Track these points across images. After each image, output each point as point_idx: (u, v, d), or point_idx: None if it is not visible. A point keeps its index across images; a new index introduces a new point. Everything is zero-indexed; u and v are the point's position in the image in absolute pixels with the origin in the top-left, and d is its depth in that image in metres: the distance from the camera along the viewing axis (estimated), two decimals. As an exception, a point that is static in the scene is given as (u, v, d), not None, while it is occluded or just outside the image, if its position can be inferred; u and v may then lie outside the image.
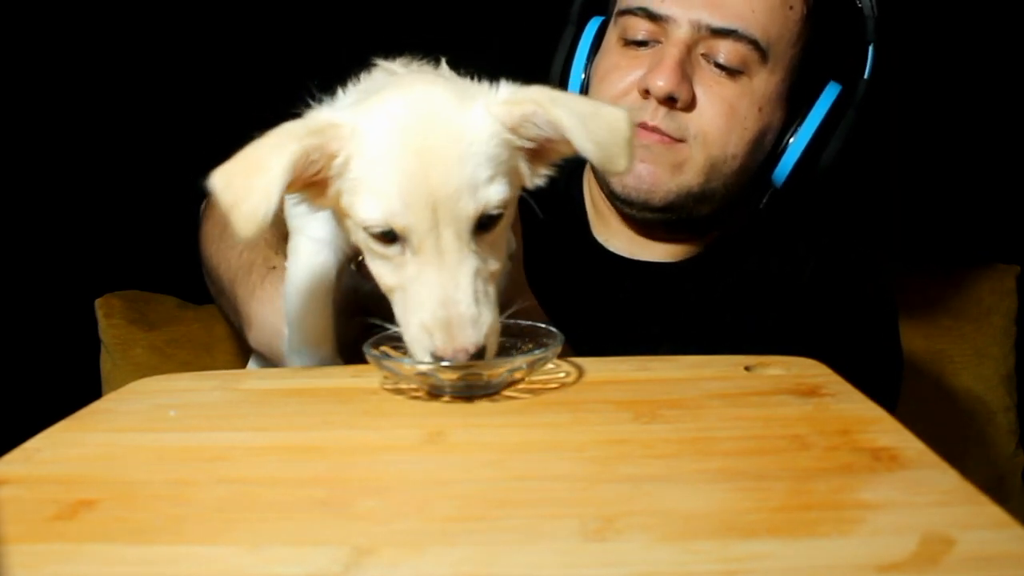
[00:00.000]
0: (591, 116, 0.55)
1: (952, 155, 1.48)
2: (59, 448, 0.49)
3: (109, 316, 1.32)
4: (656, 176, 0.89)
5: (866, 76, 0.91)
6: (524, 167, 0.58)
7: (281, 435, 0.50)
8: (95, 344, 1.33)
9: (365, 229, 0.56)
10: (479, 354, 0.54)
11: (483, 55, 0.60)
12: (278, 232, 0.86)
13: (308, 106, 0.60)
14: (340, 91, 0.62)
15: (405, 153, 0.54)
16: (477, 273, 0.55)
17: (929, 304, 1.37)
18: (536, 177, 0.59)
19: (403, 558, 0.35)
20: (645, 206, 0.91)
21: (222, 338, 1.31)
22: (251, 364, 0.92)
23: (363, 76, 0.63)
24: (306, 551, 0.36)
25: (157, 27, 1.44)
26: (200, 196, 1.03)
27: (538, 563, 0.34)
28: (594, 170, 0.98)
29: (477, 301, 0.55)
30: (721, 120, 0.87)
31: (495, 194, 0.54)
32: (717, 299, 0.95)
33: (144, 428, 0.52)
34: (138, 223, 1.46)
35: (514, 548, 0.35)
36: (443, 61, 0.63)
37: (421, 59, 0.64)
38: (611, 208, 0.99)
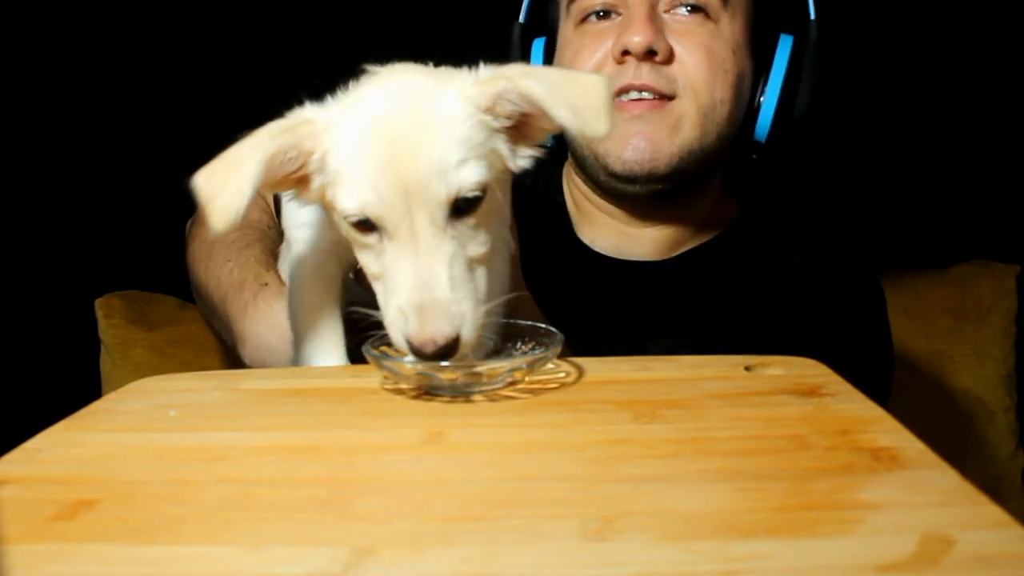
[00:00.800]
0: (565, 83, 0.54)
1: (952, 155, 1.48)
2: (59, 448, 0.49)
3: (109, 316, 1.32)
4: (656, 143, 0.88)
5: (812, 18, 0.92)
6: (504, 148, 0.58)
7: (281, 435, 0.50)
8: (95, 344, 1.33)
9: (345, 219, 0.56)
10: (454, 346, 0.53)
11: (478, 56, 0.59)
12: (267, 249, 0.86)
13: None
14: (330, 99, 0.62)
15: (376, 141, 0.54)
16: (454, 258, 0.54)
17: (929, 304, 1.37)
18: (519, 159, 0.59)
19: (403, 558, 0.35)
20: (650, 177, 0.90)
21: (222, 338, 1.31)
22: None
23: (354, 83, 0.63)
24: (306, 551, 0.35)
25: (158, 28, 1.44)
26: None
27: (538, 563, 0.34)
28: (583, 164, 0.97)
29: (454, 287, 0.54)
30: (704, 66, 0.88)
31: (468, 176, 0.54)
32: (705, 295, 0.95)
33: (144, 428, 0.52)
34: (138, 223, 1.46)
35: (514, 548, 0.35)
36: (431, 64, 0.63)
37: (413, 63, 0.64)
38: (595, 206, 0.98)
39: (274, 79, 1.43)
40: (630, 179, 0.91)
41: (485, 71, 0.57)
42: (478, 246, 0.57)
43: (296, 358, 0.70)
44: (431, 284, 0.54)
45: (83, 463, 0.47)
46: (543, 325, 0.61)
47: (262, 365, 0.79)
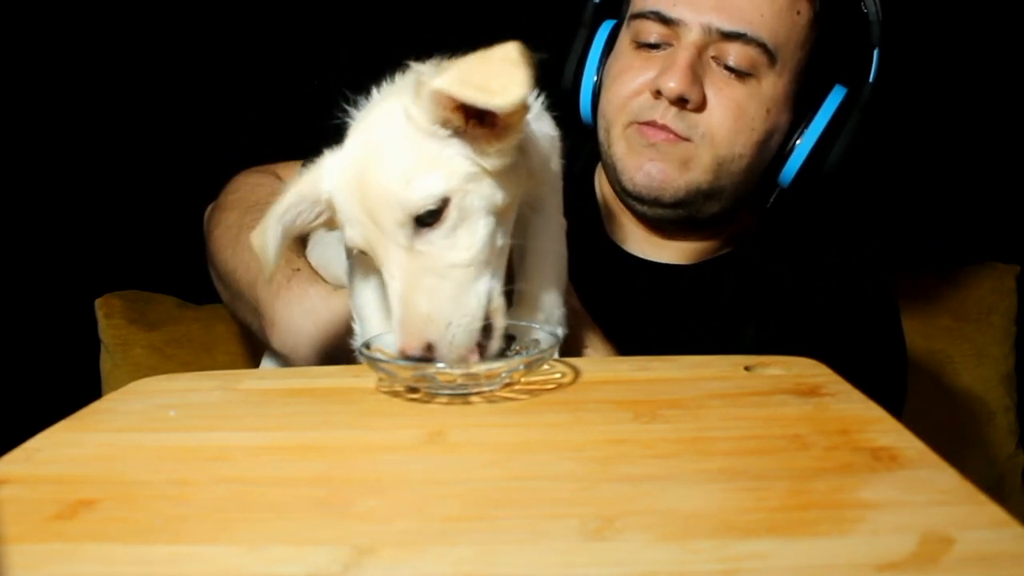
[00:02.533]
0: (476, 66, 0.54)
1: (952, 155, 1.48)
2: (59, 448, 0.49)
3: (109, 316, 1.32)
4: (666, 174, 0.90)
5: (871, 80, 0.92)
6: (467, 150, 0.57)
7: (281, 435, 0.50)
8: (95, 344, 1.33)
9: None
10: (429, 354, 0.55)
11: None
12: (297, 237, 0.87)
13: (342, 108, 0.63)
14: (375, 91, 0.63)
15: (349, 184, 0.58)
16: (426, 272, 0.56)
17: (929, 304, 1.37)
18: (492, 157, 0.58)
19: (403, 558, 0.35)
20: (656, 202, 0.92)
21: (222, 338, 1.31)
22: (265, 362, 0.92)
23: (397, 77, 0.63)
24: (306, 551, 0.36)
25: (157, 27, 1.44)
26: (201, 197, 1.04)
27: (538, 563, 0.34)
28: (605, 171, 0.99)
29: (430, 299, 0.56)
30: (729, 121, 0.89)
31: (413, 193, 0.55)
32: (726, 304, 0.95)
33: (144, 428, 0.52)
34: (138, 223, 1.46)
35: (514, 548, 0.35)
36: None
37: (450, 58, 0.63)
38: (623, 208, 1.00)
39: (274, 79, 1.43)
40: (638, 199, 0.93)
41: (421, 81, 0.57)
42: (459, 251, 0.57)
43: (362, 334, 0.69)
44: (405, 300, 0.56)
45: (83, 463, 0.47)
46: (538, 326, 0.61)
47: (292, 349, 0.79)
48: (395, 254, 0.56)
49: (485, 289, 0.58)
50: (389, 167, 0.56)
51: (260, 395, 0.58)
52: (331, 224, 0.63)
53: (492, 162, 0.58)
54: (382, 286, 0.67)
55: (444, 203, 0.56)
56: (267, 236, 0.61)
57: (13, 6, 1.39)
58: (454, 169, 0.56)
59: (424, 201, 0.55)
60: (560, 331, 0.69)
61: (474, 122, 0.56)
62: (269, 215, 0.61)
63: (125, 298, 1.35)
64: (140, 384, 0.61)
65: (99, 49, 1.43)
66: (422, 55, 0.63)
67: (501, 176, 0.59)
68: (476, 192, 0.58)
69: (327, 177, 0.60)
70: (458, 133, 0.56)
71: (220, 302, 1.26)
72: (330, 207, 0.61)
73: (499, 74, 0.53)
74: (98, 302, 1.33)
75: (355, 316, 0.70)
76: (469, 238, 0.58)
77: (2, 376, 1.42)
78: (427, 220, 0.56)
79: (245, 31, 1.44)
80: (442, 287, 0.56)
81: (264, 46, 1.44)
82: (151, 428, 0.52)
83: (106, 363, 1.33)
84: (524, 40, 0.57)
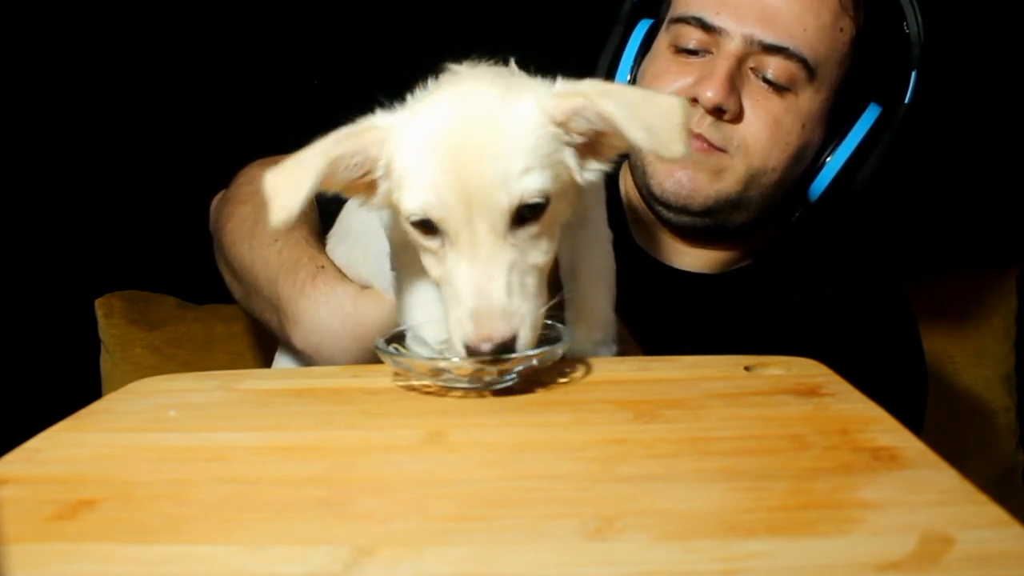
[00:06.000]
0: (643, 104, 0.54)
1: (951, 156, 1.48)
2: (59, 448, 0.49)
3: (109, 316, 1.32)
4: (696, 182, 0.90)
5: (907, 101, 0.92)
6: (572, 161, 0.57)
7: (281, 435, 0.50)
8: (95, 344, 1.33)
9: (408, 220, 0.57)
10: (510, 345, 0.54)
11: (535, 55, 0.59)
12: (313, 231, 0.87)
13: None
14: (409, 96, 0.61)
15: (441, 146, 0.55)
16: (513, 266, 0.55)
17: (929, 304, 1.37)
18: (586, 172, 0.58)
19: (403, 558, 0.35)
20: (684, 210, 0.92)
21: (222, 338, 1.31)
22: (279, 360, 0.91)
23: (432, 80, 0.62)
24: (306, 551, 0.36)
25: (157, 27, 1.44)
26: (201, 197, 1.04)
27: (538, 563, 0.34)
28: (633, 173, 0.99)
29: (510, 293, 0.54)
30: (765, 134, 0.88)
31: (530, 184, 0.54)
32: (749, 315, 0.95)
33: (144, 428, 0.52)
34: (138, 223, 1.46)
35: (514, 548, 0.35)
36: (512, 61, 0.63)
37: (490, 61, 0.63)
38: (648, 212, 1.00)
39: (274, 80, 1.43)
40: (665, 205, 0.93)
41: (561, 84, 0.57)
42: (539, 254, 0.57)
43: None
44: (488, 291, 0.54)
45: (83, 463, 0.47)
46: (547, 322, 0.61)
47: (316, 348, 0.78)
48: (485, 238, 0.54)
49: (545, 296, 0.58)
50: (510, 150, 0.54)
51: (260, 395, 0.58)
52: (368, 189, 0.59)
53: (586, 177, 0.58)
54: (429, 282, 0.64)
55: (546, 203, 0.56)
56: (300, 178, 0.54)
57: (13, 6, 1.39)
58: (560, 174, 0.56)
59: (535, 194, 0.54)
60: (614, 349, 0.70)
61: (585, 137, 0.57)
62: (308, 158, 0.55)
63: (125, 298, 1.35)
64: (140, 384, 0.61)
65: (99, 49, 1.43)
66: (443, 53, 0.62)
67: (578, 193, 0.60)
68: (565, 201, 0.58)
69: (396, 139, 0.56)
70: (571, 142, 0.57)
71: (220, 302, 1.26)
72: (387, 171, 0.57)
73: (666, 125, 0.53)
74: (98, 302, 1.34)
75: (402, 312, 0.68)
76: (548, 244, 0.58)
77: (2, 376, 1.42)
78: (525, 215, 0.55)
79: (244, 29, 1.44)
80: (523, 283, 0.55)
81: (263, 45, 1.44)
82: (151, 428, 0.52)
83: (106, 363, 1.33)
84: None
